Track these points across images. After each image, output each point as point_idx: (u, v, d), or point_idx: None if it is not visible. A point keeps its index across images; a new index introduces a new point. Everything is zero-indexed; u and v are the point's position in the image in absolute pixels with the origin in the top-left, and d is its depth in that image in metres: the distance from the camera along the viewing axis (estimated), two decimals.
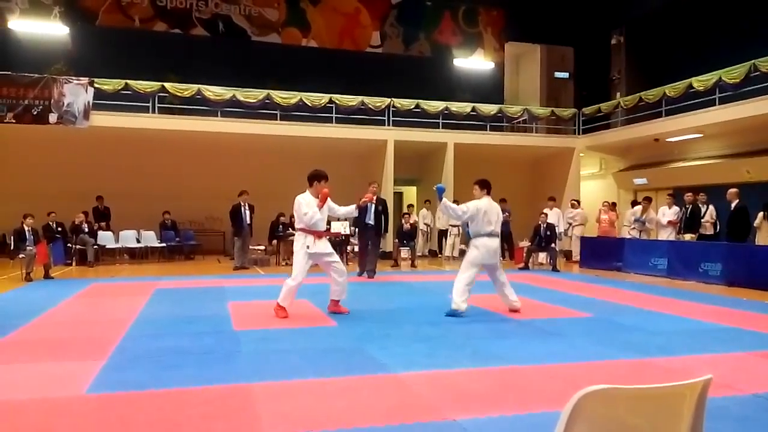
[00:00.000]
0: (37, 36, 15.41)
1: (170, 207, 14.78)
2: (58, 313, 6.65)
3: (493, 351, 4.82)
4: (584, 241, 13.83)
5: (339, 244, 12.54)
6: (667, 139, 15.34)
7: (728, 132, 14.18)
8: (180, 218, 15.24)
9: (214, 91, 14.64)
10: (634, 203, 14.02)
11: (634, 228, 12.76)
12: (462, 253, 11.71)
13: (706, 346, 5.09)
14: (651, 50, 17.90)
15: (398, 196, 17.91)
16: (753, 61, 12.52)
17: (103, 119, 13.71)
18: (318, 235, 6.34)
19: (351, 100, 15.62)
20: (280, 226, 13.64)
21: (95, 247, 12.96)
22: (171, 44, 16.64)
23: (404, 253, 13.94)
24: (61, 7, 15.51)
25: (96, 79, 13.74)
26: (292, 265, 6.52)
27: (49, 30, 15.46)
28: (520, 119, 17.69)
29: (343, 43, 17.97)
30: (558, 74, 19.78)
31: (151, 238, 14.26)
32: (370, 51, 18.27)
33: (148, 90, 14.24)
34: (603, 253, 12.67)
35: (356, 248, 14.27)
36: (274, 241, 13.67)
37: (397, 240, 13.91)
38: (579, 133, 17.49)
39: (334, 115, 15.62)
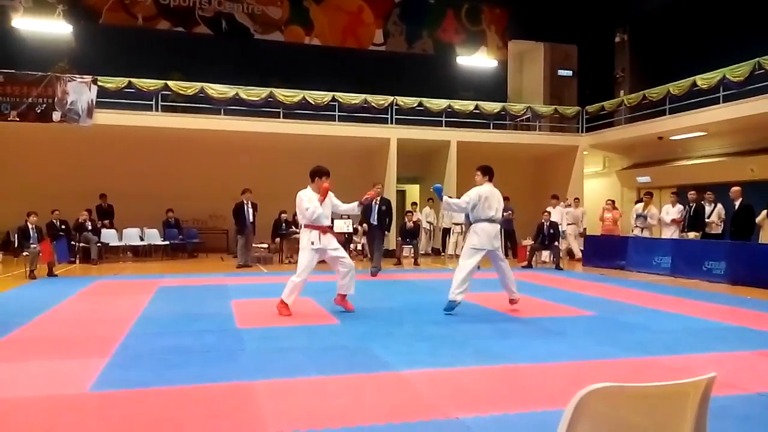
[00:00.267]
0: (41, 34, 15.44)
1: (173, 205, 14.81)
2: (62, 311, 6.66)
3: (495, 349, 4.81)
4: (587, 239, 13.80)
5: (343, 242, 12.56)
6: (671, 137, 15.30)
7: (732, 130, 14.13)
8: (183, 216, 15.27)
9: (217, 90, 14.65)
10: (638, 201, 13.99)
11: (637, 226, 12.74)
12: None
13: (709, 345, 5.07)
14: (655, 48, 17.84)
15: (401, 195, 17.91)
16: (757, 59, 12.47)
17: (106, 117, 13.74)
18: (323, 230, 6.34)
19: (354, 98, 15.62)
20: (283, 224, 13.66)
21: (99, 245, 12.99)
22: (174, 42, 16.65)
23: (407, 251, 13.94)
24: (65, 5, 15.53)
25: (99, 78, 13.77)
26: (295, 262, 6.52)
27: (52, 28, 15.49)
28: (524, 117, 17.66)
29: (346, 41, 17.96)
30: (561, 72, 19.73)
31: (154, 236, 14.29)
32: (373, 49, 18.25)
33: (152, 88, 14.26)
34: (606, 251, 12.64)
35: (359, 246, 14.34)
36: (277, 239, 13.68)
37: (399, 238, 13.91)
38: (582, 132, 17.46)
39: (337, 113, 15.62)
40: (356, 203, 6.77)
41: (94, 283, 9.26)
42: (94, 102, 13.62)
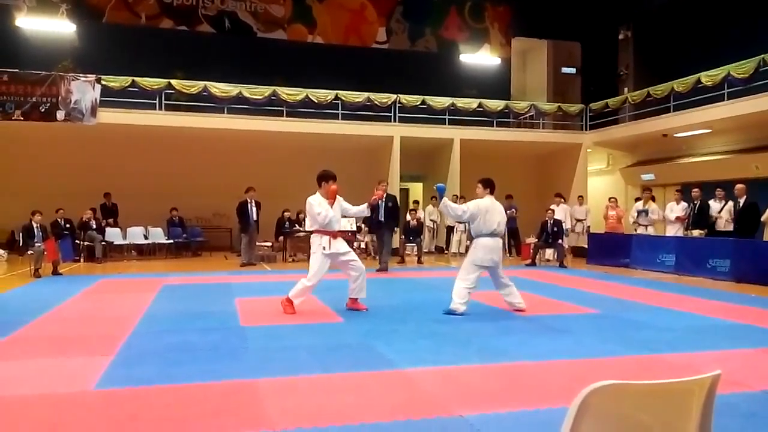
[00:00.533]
0: (45, 33, 15.46)
1: (177, 203, 14.84)
2: (67, 310, 6.69)
3: (499, 347, 4.81)
4: (591, 237, 13.78)
5: (347, 241, 12.58)
6: (675, 135, 15.24)
7: (737, 127, 14.08)
8: (187, 215, 15.29)
9: (220, 88, 14.66)
10: (638, 199, 14.00)
11: (634, 223, 12.75)
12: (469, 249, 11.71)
13: (714, 343, 5.06)
14: (659, 45, 17.77)
15: (404, 193, 17.89)
16: (762, 55, 12.41)
17: (110, 116, 13.76)
18: (333, 235, 6.34)
19: (357, 97, 15.61)
20: (287, 223, 13.67)
21: (103, 243, 13.03)
22: (177, 41, 16.65)
23: (410, 249, 13.94)
24: (68, 4, 15.54)
25: (103, 77, 13.79)
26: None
27: (56, 27, 15.51)
28: (527, 115, 17.62)
29: (349, 39, 17.93)
30: (565, 70, 19.66)
31: (158, 235, 14.32)
32: (376, 47, 18.22)
33: (155, 87, 14.28)
34: (610, 249, 12.62)
35: (362, 245, 14.35)
36: (281, 238, 13.70)
37: (403, 236, 13.90)
38: (586, 129, 17.41)
39: (340, 112, 15.62)
40: (365, 205, 6.78)
41: (98, 281, 9.29)
42: (97, 101, 13.64)
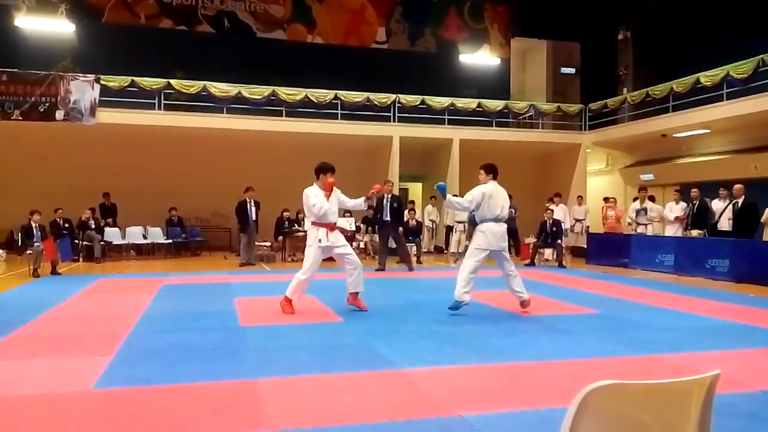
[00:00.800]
0: (44, 33, 15.45)
1: (176, 203, 14.83)
2: (66, 309, 6.68)
3: (499, 347, 4.81)
4: (591, 237, 13.79)
5: (347, 240, 12.58)
6: (675, 135, 15.26)
7: (736, 127, 14.10)
8: (186, 214, 15.28)
9: (219, 88, 14.67)
10: (635, 199, 14.00)
11: (632, 223, 12.75)
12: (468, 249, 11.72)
13: (713, 343, 5.06)
14: (658, 45, 17.79)
15: (404, 193, 17.89)
16: (761, 56, 12.44)
17: (109, 116, 13.76)
18: (330, 227, 6.33)
19: (356, 97, 15.62)
20: (286, 222, 13.67)
21: (102, 243, 13.02)
22: (176, 41, 16.65)
23: (409, 249, 13.91)
24: (67, 4, 15.52)
25: (102, 76, 13.79)
26: (298, 260, 6.53)
27: (55, 27, 15.50)
28: (527, 115, 17.62)
29: (349, 39, 17.93)
30: (564, 70, 19.68)
31: (157, 235, 14.32)
32: (376, 47, 18.22)
33: (154, 87, 14.28)
34: (610, 249, 12.63)
35: (361, 244, 14.34)
36: (280, 238, 13.69)
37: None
38: (585, 129, 17.42)
39: (339, 111, 15.62)
40: (363, 198, 6.75)
41: (97, 281, 9.28)
42: (96, 101, 13.64)
